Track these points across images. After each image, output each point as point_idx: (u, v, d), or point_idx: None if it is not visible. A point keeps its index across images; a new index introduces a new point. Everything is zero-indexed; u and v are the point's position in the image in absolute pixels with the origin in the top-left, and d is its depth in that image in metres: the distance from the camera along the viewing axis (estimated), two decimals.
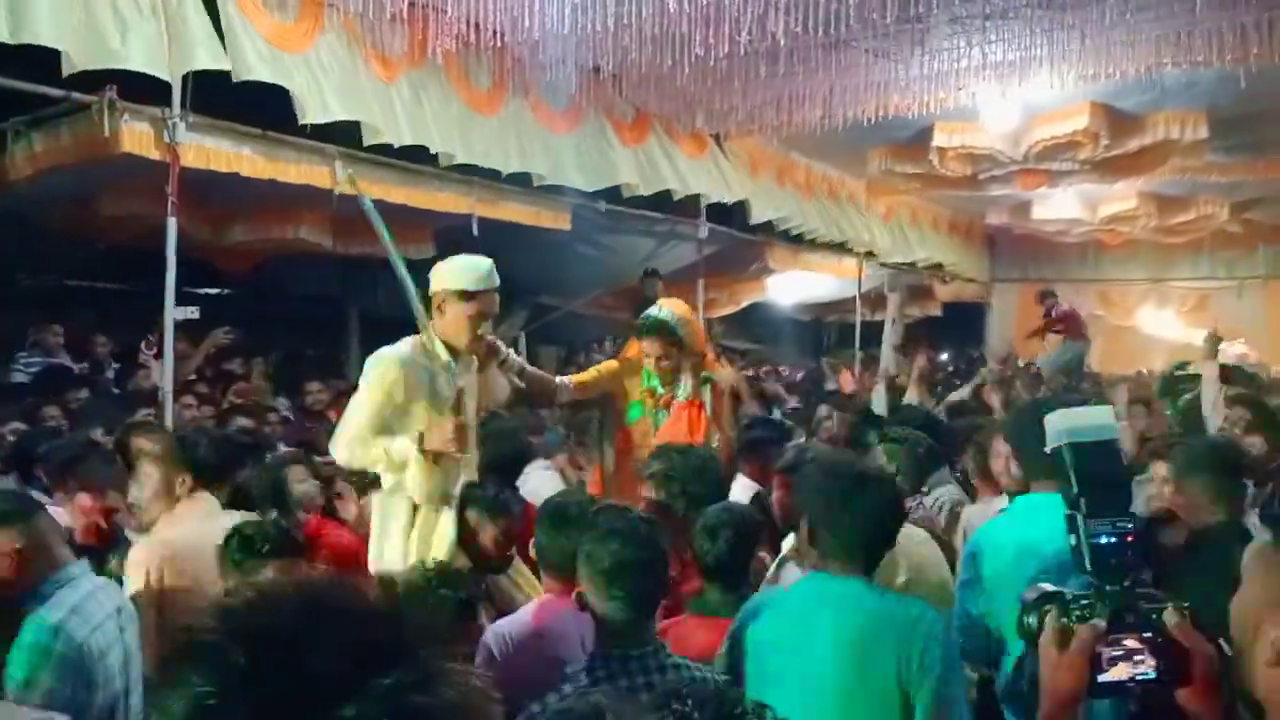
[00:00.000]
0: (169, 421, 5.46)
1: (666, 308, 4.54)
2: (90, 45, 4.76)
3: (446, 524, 3.40)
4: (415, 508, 3.41)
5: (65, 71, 4.75)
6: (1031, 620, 1.51)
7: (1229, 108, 7.94)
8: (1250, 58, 6.28)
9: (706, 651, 2.59)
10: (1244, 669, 1.25)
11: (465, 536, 3.38)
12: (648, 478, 3.55)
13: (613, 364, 4.65)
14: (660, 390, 4.41)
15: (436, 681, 0.84)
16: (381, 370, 3.39)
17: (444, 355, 3.50)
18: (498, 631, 2.80)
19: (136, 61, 4.94)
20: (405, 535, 3.38)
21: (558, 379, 4.43)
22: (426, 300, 3.55)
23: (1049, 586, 1.53)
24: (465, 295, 3.47)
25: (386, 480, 3.47)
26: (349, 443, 3.40)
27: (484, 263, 3.56)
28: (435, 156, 6.63)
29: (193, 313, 5.69)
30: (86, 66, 4.79)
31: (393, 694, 0.81)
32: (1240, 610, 1.26)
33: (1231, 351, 15.80)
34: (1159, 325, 16.07)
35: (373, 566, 3.41)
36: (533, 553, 3.02)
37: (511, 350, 4.04)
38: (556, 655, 2.58)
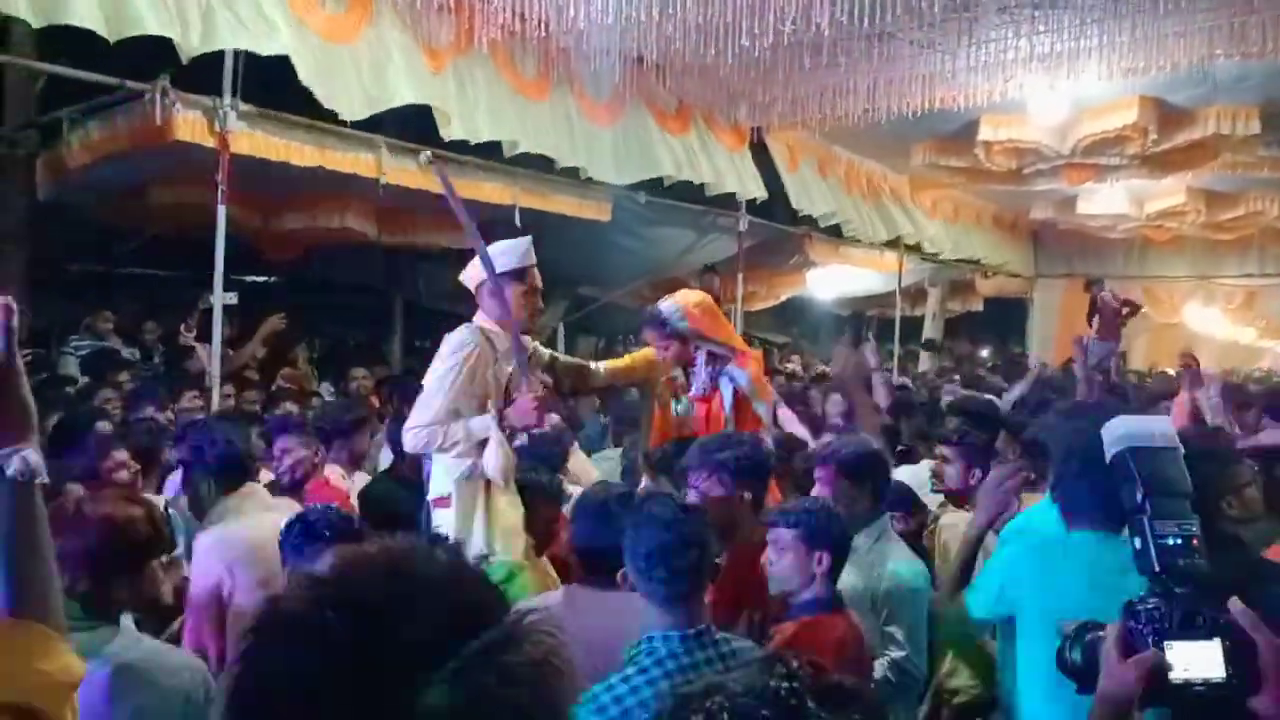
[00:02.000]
0: (215, 406, 5.58)
1: (670, 300, 4.53)
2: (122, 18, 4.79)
3: (516, 509, 3.46)
4: (489, 486, 3.46)
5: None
6: (1075, 655, 1.51)
7: None
8: None
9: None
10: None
11: (529, 523, 3.44)
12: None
13: (649, 352, 4.65)
14: (678, 378, 4.42)
15: (521, 641, 0.86)
16: (460, 352, 3.46)
17: (506, 338, 3.58)
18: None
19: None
20: (486, 520, 3.44)
21: (592, 365, 4.43)
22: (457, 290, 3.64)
23: (1087, 620, 1.53)
24: (517, 275, 3.60)
25: (458, 466, 3.49)
26: (429, 431, 3.43)
27: (522, 240, 3.71)
28: (478, 146, 6.66)
29: (231, 298, 5.79)
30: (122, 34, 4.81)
31: (484, 655, 0.83)
32: None
33: (1277, 351, 15.57)
34: (1205, 322, 15.82)
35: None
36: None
37: (535, 344, 4.06)
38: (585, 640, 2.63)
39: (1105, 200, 11.56)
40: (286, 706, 0.83)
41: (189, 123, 5.40)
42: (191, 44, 4.89)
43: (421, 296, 10.04)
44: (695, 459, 3.31)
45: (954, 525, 4.01)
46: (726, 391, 4.38)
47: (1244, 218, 11.90)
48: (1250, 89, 7.76)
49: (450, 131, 6.17)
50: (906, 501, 4.13)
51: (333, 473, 4.40)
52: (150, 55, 5.20)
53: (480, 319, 3.62)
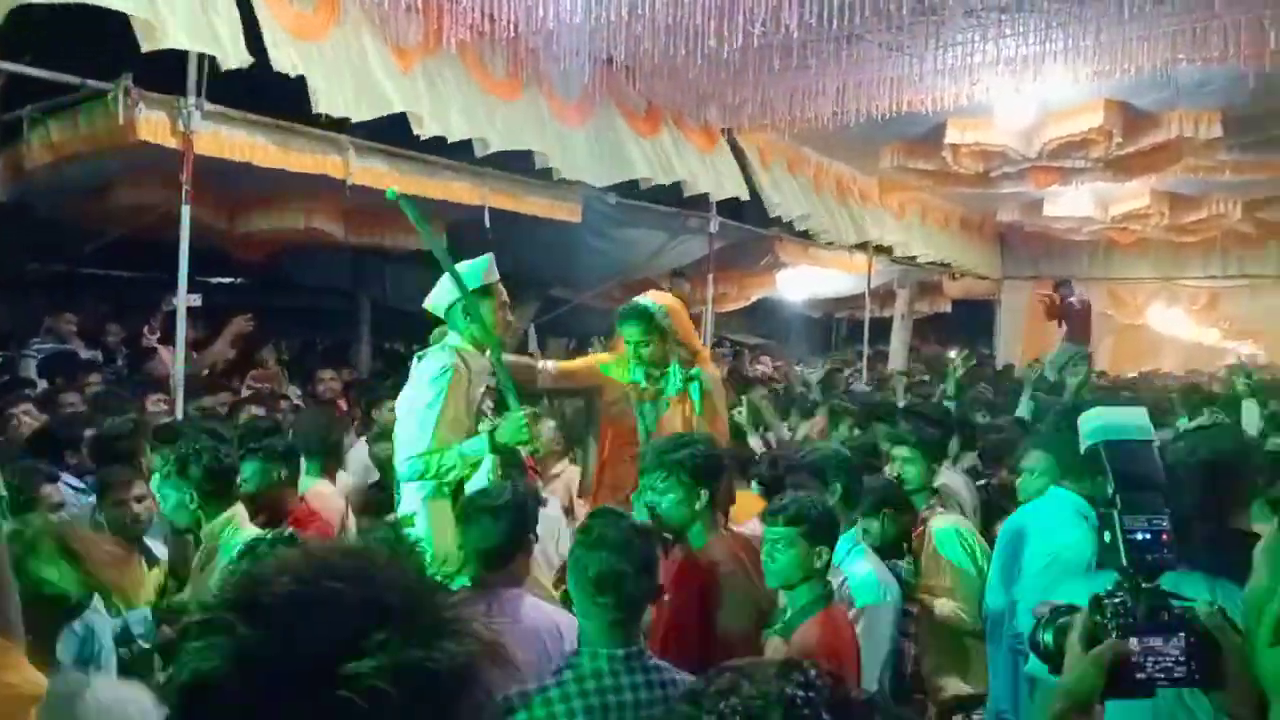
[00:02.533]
0: (180, 409, 5.51)
1: (649, 297, 4.54)
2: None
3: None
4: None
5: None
6: (1047, 636, 1.52)
7: (1243, 106, 7.91)
8: (1266, 55, 6.24)
9: None
10: (1251, 654, 1.26)
11: None
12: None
13: (602, 355, 4.65)
14: (644, 384, 4.38)
15: (435, 637, 0.85)
16: (449, 379, 3.47)
17: (481, 358, 3.61)
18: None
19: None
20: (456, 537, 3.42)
21: (539, 363, 4.41)
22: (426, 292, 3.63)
23: (1059, 602, 1.53)
24: (487, 290, 3.66)
25: (427, 485, 3.48)
26: (423, 460, 3.43)
27: (484, 258, 3.77)
28: (447, 147, 6.62)
29: (196, 300, 5.71)
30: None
31: (387, 649, 0.82)
32: (1249, 597, 1.27)
33: (1241, 352, 15.81)
34: (1169, 324, 16.02)
35: (429, 571, 3.44)
36: None
37: None
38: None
39: (1070, 203, 11.68)
40: (205, 712, 0.83)
41: (152, 122, 5.33)
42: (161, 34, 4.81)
43: (390, 298, 9.98)
44: (651, 461, 3.30)
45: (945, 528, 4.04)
46: (695, 393, 4.39)
47: (1206, 220, 12.07)
48: (1212, 93, 7.86)
49: (424, 130, 6.12)
50: (894, 500, 4.15)
51: (323, 488, 4.36)
52: (113, 54, 5.13)
53: (453, 339, 3.63)
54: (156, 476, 3.48)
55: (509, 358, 4.23)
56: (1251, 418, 6.54)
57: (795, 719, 0.90)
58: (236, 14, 5.16)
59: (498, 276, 3.74)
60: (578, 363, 4.64)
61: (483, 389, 3.63)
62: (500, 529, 2.89)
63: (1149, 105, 8.31)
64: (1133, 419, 1.59)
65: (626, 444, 4.32)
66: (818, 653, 2.67)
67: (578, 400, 5.08)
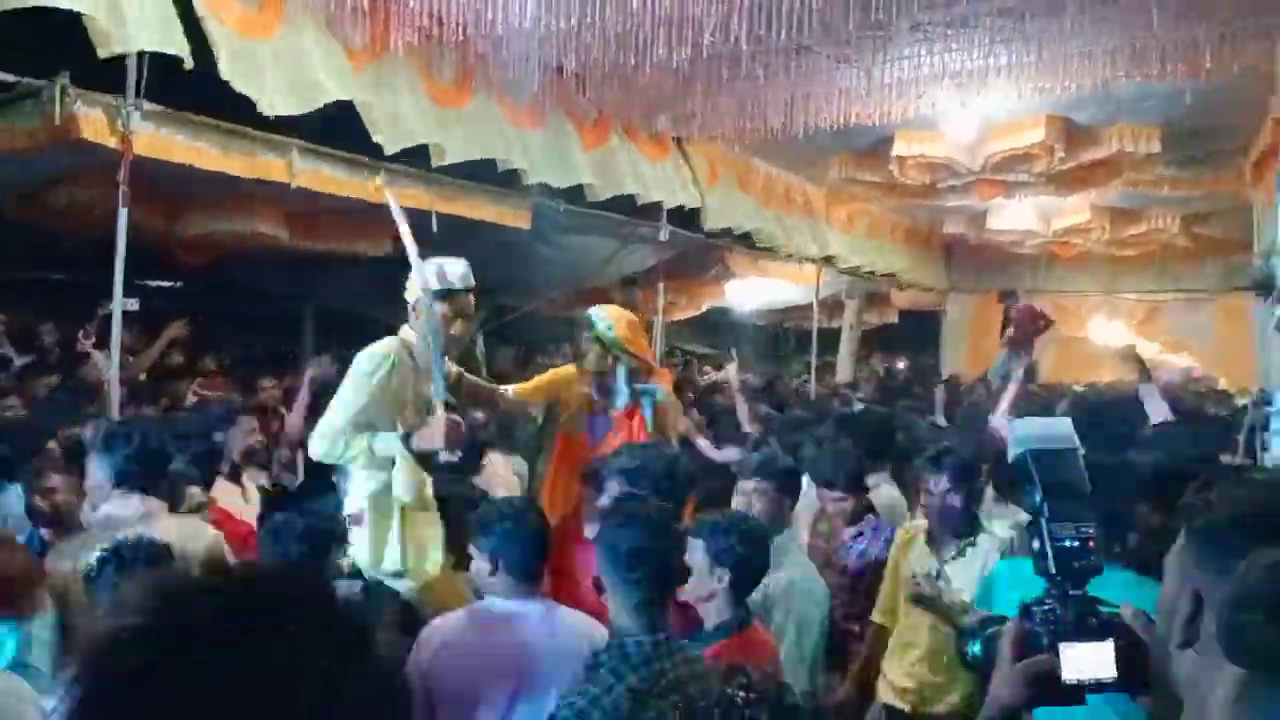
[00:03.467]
0: (115, 414, 5.37)
1: (598, 309, 4.54)
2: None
3: (432, 525, 3.41)
4: (403, 510, 3.40)
5: None
6: (976, 648, 1.53)
7: (1180, 122, 8.11)
8: (1202, 73, 6.41)
9: None
10: (1164, 657, 1.29)
11: (451, 537, 3.38)
12: (614, 473, 3.50)
13: (560, 371, 4.65)
14: (596, 396, 4.39)
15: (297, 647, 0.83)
16: (378, 361, 3.44)
17: (425, 360, 3.55)
18: (436, 627, 2.81)
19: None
20: (400, 539, 3.37)
21: (500, 388, 4.38)
22: (372, 297, 3.58)
23: (987, 613, 1.55)
24: (446, 294, 3.59)
25: (372, 483, 3.44)
26: (331, 437, 3.40)
27: (461, 262, 3.70)
28: (387, 151, 6.55)
29: (133, 304, 5.59)
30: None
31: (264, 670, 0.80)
32: (1160, 603, 1.30)
33: (1179, 365, 16.18)
34: (1110, 336, 16.34)
35: (370, 572, 3.39)
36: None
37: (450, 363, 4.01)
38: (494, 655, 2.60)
39: (1014, 216, 11.89)
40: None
41: (90, 121, 5.19)
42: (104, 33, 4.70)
43: (334, 303, 9.85)
44: (612, 469, 3.29)
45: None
46: (647, 407, 4.40)
47: (1146, 234, 12.34)
48: (1151, 109, 8.05)
49: (381, 138, 6.06)
50: (845, 476, 4.14)
51: (231, 493, 4.27)
52: (52, 52, 5.00)
53: (406, 331, 3.59)
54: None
55: (477, 382, 4.25)
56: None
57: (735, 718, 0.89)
58: (173, 12, 5.05)
59: (467, 284, 3.67)
60: (532, 384, 4.60)
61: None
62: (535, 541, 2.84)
63: (1089, 121, 8.49)
64: (1058, 429, 1.62)
65: (574, 460, 4.32)
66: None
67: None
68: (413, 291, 3.63)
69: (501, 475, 5.12)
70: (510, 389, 4.42)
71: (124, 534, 2.85)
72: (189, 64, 5.03)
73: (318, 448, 3.45)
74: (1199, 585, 1.20)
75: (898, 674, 3.78)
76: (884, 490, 4.73)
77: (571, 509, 4.04)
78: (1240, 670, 1.01)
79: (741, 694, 0.92)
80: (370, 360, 3.46)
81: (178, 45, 5.02)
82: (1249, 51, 6.05)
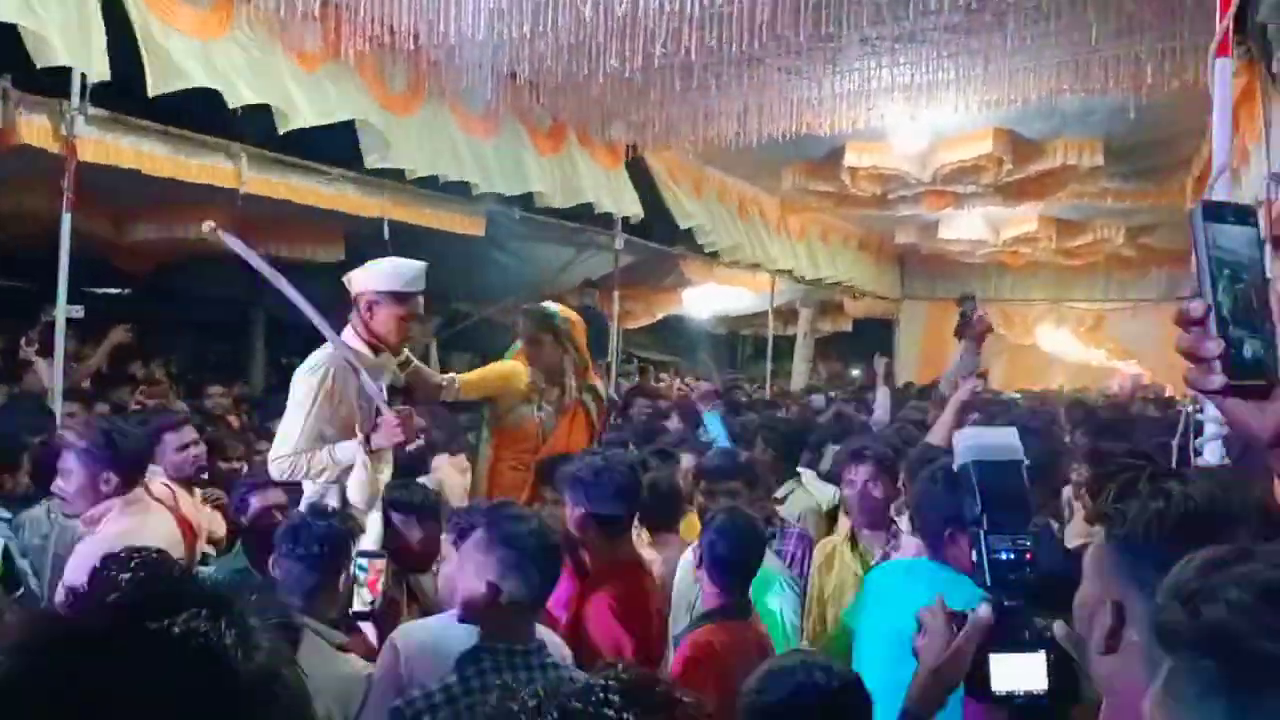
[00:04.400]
0: (58, 423, 5.27)
1: (552, 304, 4.61)
2: None
3: (374, 524, 3.39)
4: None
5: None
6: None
7: (1124, 136, 8.27)
8: (1144, 87, 6.55)
9: None
10: (1085, 661, 1.31)
11: (389, 537, 3.35)
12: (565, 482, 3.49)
13: (502, 365, 4.62)
14: (543, 385, 4.42)
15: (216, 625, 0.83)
16: (320, 377, 3.41)
17: (370, 355, 3.51)
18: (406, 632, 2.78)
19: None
20: None
21: (445, 376, 4.36)
22: (323, 305, 3.53)
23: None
24: (398, 297, 3.54)
25: (312, 488, 3.43)
26: (291, 459, 3.37)
27: (416, 265, 3.65)
28: (346, 158, 6.52)
29: (77, 311, 5.49)
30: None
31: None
32: (1078, 605, 1.32)
33: (1127, 372, 16.46)
34: (1058, 344, 16.62)
35: None
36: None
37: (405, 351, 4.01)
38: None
39: (964, 226, 12.06)
40: None
41: (33, 126, 5.11)
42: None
43: (285, 310, 9.74)
44: (564, 477, 3.29)
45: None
46: (591, 405, 4.44)
47: (1092, 244, 12.57)
48: (1095, 123, 8.21)
49: (298, 122, 5.94)
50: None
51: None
52: None
53: (348, 333, 3.56)
54: None
55: (425, 370, 4.23)
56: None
57: (592, 703, 0.90)
58: (100, 23, 4.95)
59: (419, 287, 3.61)
60: (477, 375, 4.59)
61: (386, 381, 3.59)
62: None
63: (1035, 134, 8.64)
64: (1001, 439, 1.62)
65: (519, 451, 4.33)
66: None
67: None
68: (356, 283, 3.59)
69: (451, 477, 5.09)
70: (458, 380, 4.39)
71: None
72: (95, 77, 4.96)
73: (277, 471, 3.43)
74: (1120, 596, 1.22)
75: None
76: (798, 496, 4.73)
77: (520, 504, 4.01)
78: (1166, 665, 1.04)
79: (601, 681, 0.93)
80: (311, 376, 3.43)
81: (99, 58, 4.92)
82: (1189, 67, 6.20)
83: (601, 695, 0.87)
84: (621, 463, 3.28)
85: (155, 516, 3.35)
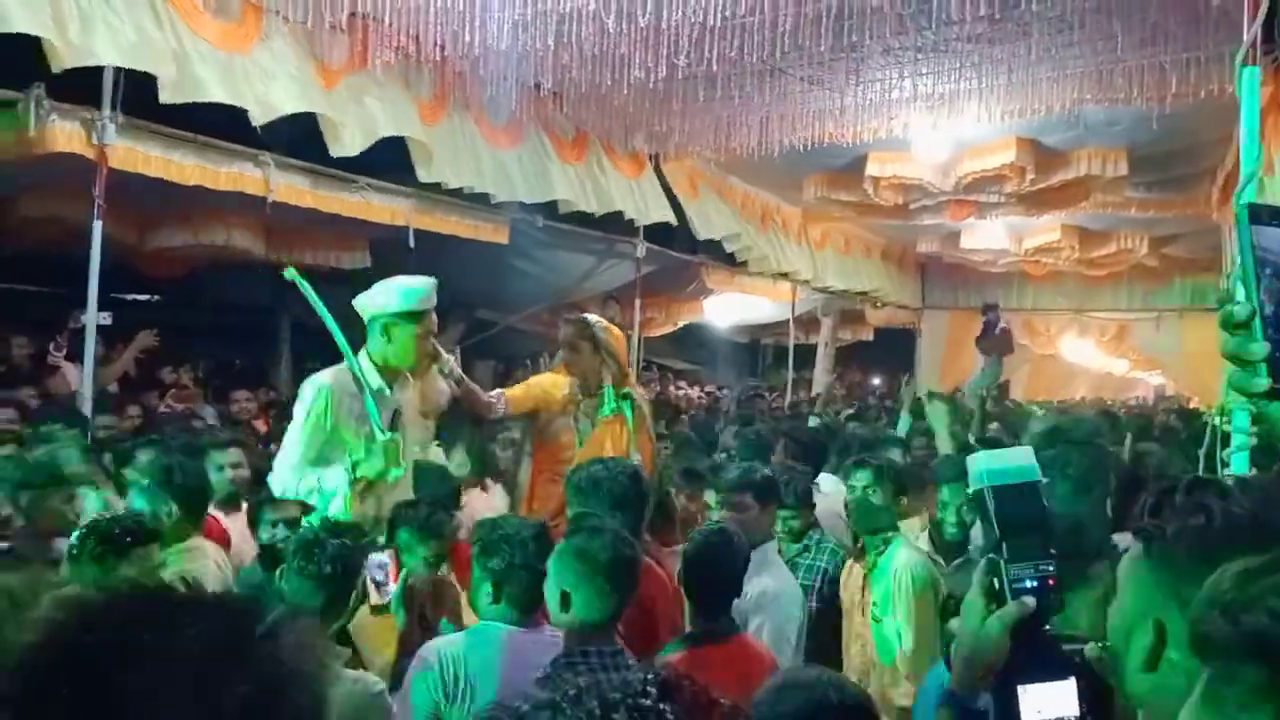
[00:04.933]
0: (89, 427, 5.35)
1: (589, 314, 4.63)
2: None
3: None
4: None
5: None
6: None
7: (1147, 146, 8.23)
8: (1168, 97, 6.52)
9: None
10: (1121, 677, 1.29)
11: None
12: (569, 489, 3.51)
13: (544, 377, 4.63)
14: (581, 396, 4.41)
15: (282, 687, 0.85)
16: (312, 398, 3.43)
17: (376, 381, 3.51)
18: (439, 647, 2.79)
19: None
20: None
21: (493, 394, 4.35)
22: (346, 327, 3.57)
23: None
24: (412, 316, 3.54)
25: (318, 505, 3.47)
26: (284, 474, 3.43)
27: (426, 282, 3.64)
28: (374, 165, 6.58)
29: (106, 318, 5.56)
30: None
31: (259, 655, 0.83)
32: (1114, 619, 1.30)
33: (1149, 382, 16.33)
34: (1080, 354, 16.51)
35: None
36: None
37: (451, 356, 4.02)
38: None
39: (986, 235, 12.02)
40: None
41: (65, 134, 5.20)
42: (69, 47, 4.71)
43: (310, 317, 9.80)
44: (569, 484, 3.32)
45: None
46: (629, 412, 4.44)
47: (1115, 254, 12.49)
48: (1118, 133, 8.17)
49: (342, 148, 6.07)
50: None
51: None
52: (25, 64, 5.00)
53: (361, 356, 3.56)
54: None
55: (475, 389, 4.21)
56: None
57: (631, 694, 0.90)
58: (151, 25, 5.06)
59: (432, 305, 3.61)
60: (521, 389, 4.56)
61: (395, 405, 3.58)
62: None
63: (1058, 143, 8.61)
64: (1015, 460, 1.55)
65: (556, 462, 4.32)
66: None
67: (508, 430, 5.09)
68: (367, 307, 3.60)
69: (478, 507, 5.08)
70: (503, 399, 4.37)
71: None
72: (162, 76, 5.04)
73: (276, 486, 3.50)
74: (1161, 616, 1.19)
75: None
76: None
77: (547, 515, 4.01)
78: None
79: (645, 676, 0.93)
80: (305, 397, 3.46)
81: (147, 60, 5.02)
82: (1213, 77, 6.17)
83: (640, 687, 0.89)
84: (624, 471, 3.30)
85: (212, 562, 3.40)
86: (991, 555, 1.49)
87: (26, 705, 0.81)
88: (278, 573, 2.85)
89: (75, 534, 2.74)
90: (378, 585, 2.93)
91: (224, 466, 4.26)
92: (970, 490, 1.57)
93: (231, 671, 0.81)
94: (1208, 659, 0.95)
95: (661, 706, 0.85)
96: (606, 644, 2.39)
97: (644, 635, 2.99)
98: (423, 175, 6.66)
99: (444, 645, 2.74)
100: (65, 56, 4.69)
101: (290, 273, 3.67)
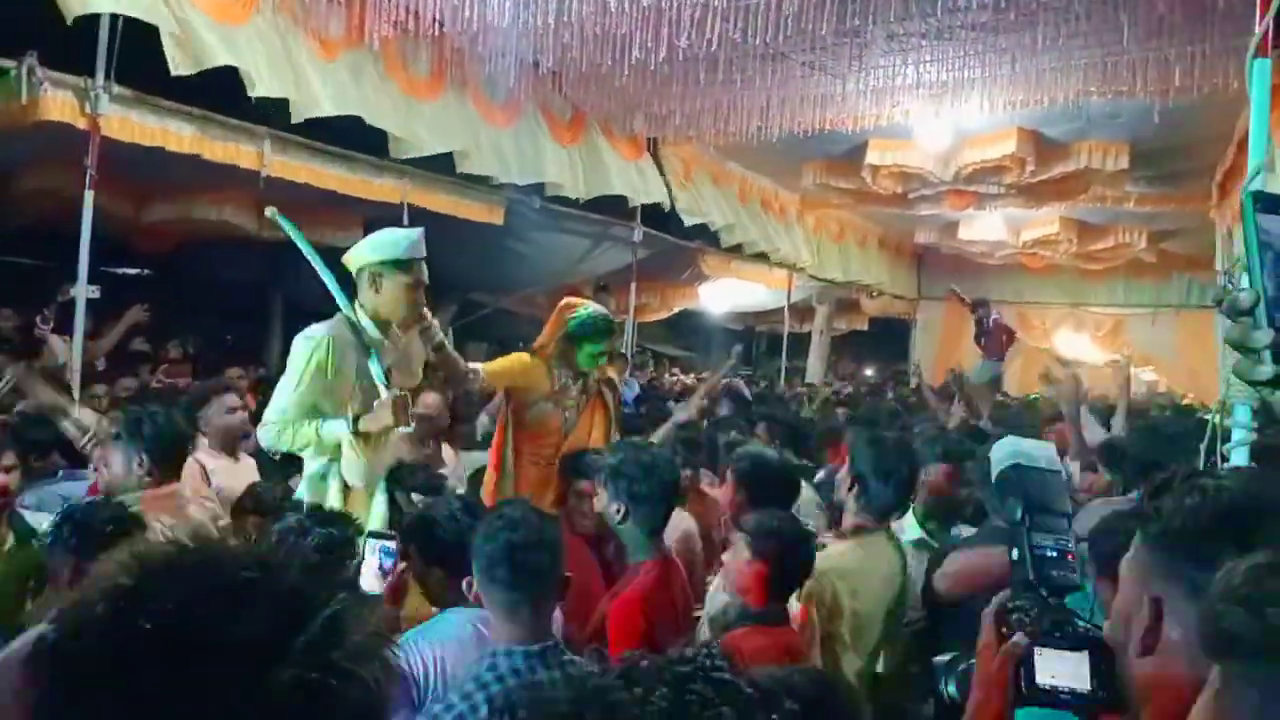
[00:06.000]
0: (75, 400, 5.30)
1: (593, 307, 4.54)
2: None
3: (378, 506, 3.36)
4: (347, 490, 3.35)
5: None
6: (950, 688, 1.52)
7: (1149, 140, 8.20)
8: (1172, 90, 6.49)
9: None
10: (1123, 664, 1.28)
11: (395, 519, 3.32)
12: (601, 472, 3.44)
13: (523, 356, 4.55)
14: (570, 386, 4.36)
15: (347, 628, 0.83)
16: (312, 347, 3.33)
17: (374, 332, 3.46)
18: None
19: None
20: None
21: (469, 365, 4.27)
22: (347, 280, 3.50)
23: (953, 654, 1.54)
24: (400, 265, 3.45)
25: (314, 464, 3.39)
26: (278, 426, 3.32)
27: (413, 232, 3.57)
28: (369, 143, 6.53)
29: (95, 291, 5.51)
30: None
31: (314, 647, 0.79)
32: (1117, 609, 1.30)
33: (1142, 378, 16.35)
34: (1075, 348, 16.51)
35: None
36: None
37: (436, 321, 3.95)
38: None
39: (984, 227, 12.00)
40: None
41: (58, 103, 5.14)
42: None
43: (303, 293, 9.76)
44: (599, 468, 3.26)
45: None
46: (609, 400, 4.42)
47: (1113, 249, 12.48)
48: (1121, 126, 8.14)
49: (319, 111, 5.96)
50: None
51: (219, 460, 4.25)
52: (17, 31, 4.93)
53: (357, 306, 3.50)
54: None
55: (454, 356, 4.13)
56: None
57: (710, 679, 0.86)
58: None
59: (421, 255, 3.51)
60: (497, 364, 4.50)
61: (389, 361, 3.50)
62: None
63: (1060, 135, 8.58)
64: (1042, 450, 1.63)
65: (540, 447, 4.27)
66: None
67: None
68: (353, 260, 3.52)
69: (449, 464, 5.06)
70: (482, 371, 4.31)
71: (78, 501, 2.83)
72: (165, 30, 4.97)
73: (265, 438, 3.39)
74: (1158, 593, 1.20)
75: None
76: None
77: (551, 504, 3.95)
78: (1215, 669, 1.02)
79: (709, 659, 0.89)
80: (305, 345, 3.35)
81: (146, 10, 4.94)
82: (1218, 71, 6.14)
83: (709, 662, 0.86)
84: (665, 460, 3.23)
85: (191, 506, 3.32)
86: (1015, 528, 1.53)
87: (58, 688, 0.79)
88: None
89: (50, 522, 2.68)
90: (384, 573, 2.86)
91: (233, 410, 4.34)
92: (996, 470, 1.62)
93: (281, 665, 0.78)
94: (1226, 657, 0.92)
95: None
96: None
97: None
98: (413, 151, 6.60)
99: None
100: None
101: (271, 212, 3.58)
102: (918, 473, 3.55)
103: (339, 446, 3.32)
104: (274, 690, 0.77)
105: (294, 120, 5.89)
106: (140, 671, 0.77)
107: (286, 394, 3.32)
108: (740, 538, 2.81)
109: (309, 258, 3.46)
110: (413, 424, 3.45)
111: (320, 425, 3.29)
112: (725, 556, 2.91)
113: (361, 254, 3.50)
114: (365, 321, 3.45)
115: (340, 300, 3.44)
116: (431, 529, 2.73)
